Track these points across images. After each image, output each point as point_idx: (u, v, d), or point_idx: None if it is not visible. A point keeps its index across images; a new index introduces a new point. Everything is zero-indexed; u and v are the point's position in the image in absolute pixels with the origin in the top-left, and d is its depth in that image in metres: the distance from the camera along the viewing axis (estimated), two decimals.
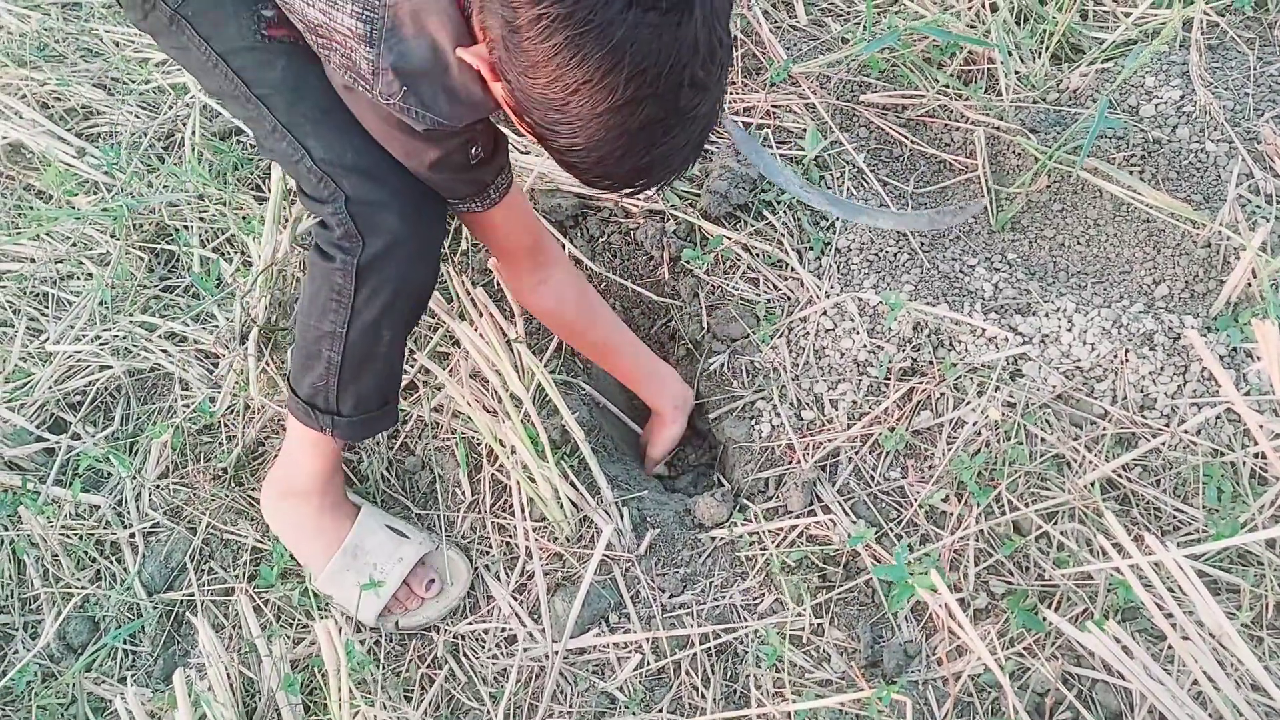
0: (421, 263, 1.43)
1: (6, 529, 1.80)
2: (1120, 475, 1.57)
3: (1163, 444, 1.58)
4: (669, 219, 1.98)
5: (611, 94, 1.05)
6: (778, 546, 1.61)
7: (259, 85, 1.35)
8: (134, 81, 2.47)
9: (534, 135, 1.16)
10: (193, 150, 2.24)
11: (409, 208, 1.37)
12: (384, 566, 1.62)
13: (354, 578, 1.62)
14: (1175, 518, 1.54)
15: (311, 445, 1.59)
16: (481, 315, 1.79)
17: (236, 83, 1.36)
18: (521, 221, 1.58)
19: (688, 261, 1.95)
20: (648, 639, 1.56)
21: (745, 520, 1.66)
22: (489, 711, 1.54)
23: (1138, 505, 1.56)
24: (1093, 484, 1.55)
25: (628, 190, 1.21)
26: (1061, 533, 1.53)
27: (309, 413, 1.53)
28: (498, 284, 1.87)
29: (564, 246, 1.97)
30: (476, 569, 1.68)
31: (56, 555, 1.76)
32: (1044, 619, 1.43)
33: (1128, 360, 1.64)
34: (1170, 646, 1.40)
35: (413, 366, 1.86)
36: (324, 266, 1.39)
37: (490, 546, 1.70)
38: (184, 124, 2.32)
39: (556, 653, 1.55)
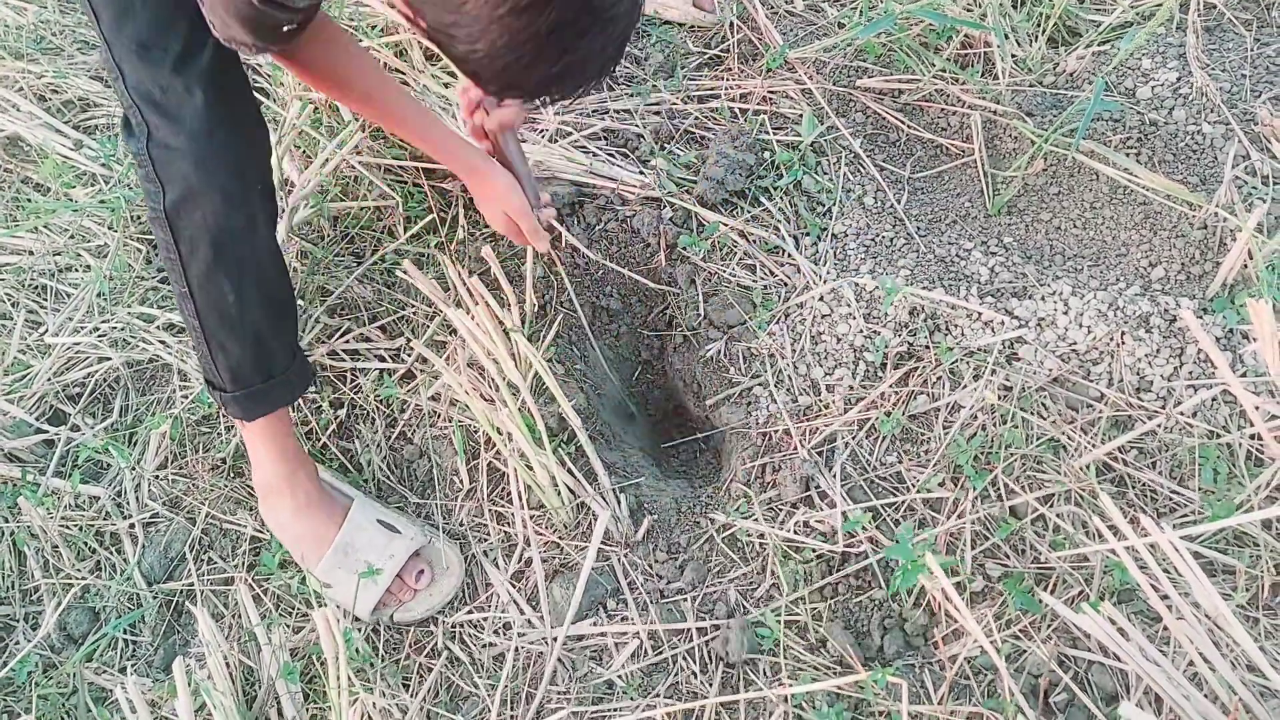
0: (227, 211, 1.39)
1: (7, 520, 1.80)
2: (1116, 458, 1.57)
3: (1159, 426, 1.57)
4: (666, 206, 1.98)
5: (517, 12, 0.92)
6: (775, 527, 1.61)
7: None
8: None
9: (430, 40, 1.03)
10: None
11: (203, 156, 1.34)
12: (376, 564, 1.62)
13: (346, 575, 1.62)
14: (1171, 500, 1.54)
15: (251, 434, 1.61)
16: (478, 304, 1.79)
17: None
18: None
19: (684, 248, 1.95)
20: (645, 625, 1.56)
21: (746, 512, 1.66)
22: (487, 698, 1.54)
23: (1134, 488, 1.56)
24: (1089, 467, 1.55)
25: (537, 101, 1.09)
26: (1058, 515, 1.53)
27: (209, 390, 1.57)
28: (493, 273, 1.87)
29: (561, 236, 1.97)
30: (473, 556, 1.68)
31: (56, 546, 1.77)
32: (1040, 601, 1.43)
33: (1124, 343, 1.64)
34: (1166, 628, 1.40)
35: (410, 354, 1.86)
36: (151, 227, 1.39)
37: (488, 534, 1.70)
38: None
39: (555, 639, 1.56)
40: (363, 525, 1.65)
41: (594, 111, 2.15)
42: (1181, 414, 1.58)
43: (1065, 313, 1.68)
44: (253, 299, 1.48)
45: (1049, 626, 1.45)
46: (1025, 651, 1.44)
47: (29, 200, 2.25)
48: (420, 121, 1.66)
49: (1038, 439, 1.59)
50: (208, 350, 1.50)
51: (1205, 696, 1.26)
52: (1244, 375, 1.60)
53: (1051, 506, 1.54)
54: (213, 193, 1.37)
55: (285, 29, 1.27)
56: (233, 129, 1.39)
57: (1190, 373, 1.61)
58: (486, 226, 2.01)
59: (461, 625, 1.63)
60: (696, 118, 2.12)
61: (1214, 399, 1.59)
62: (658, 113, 2.14)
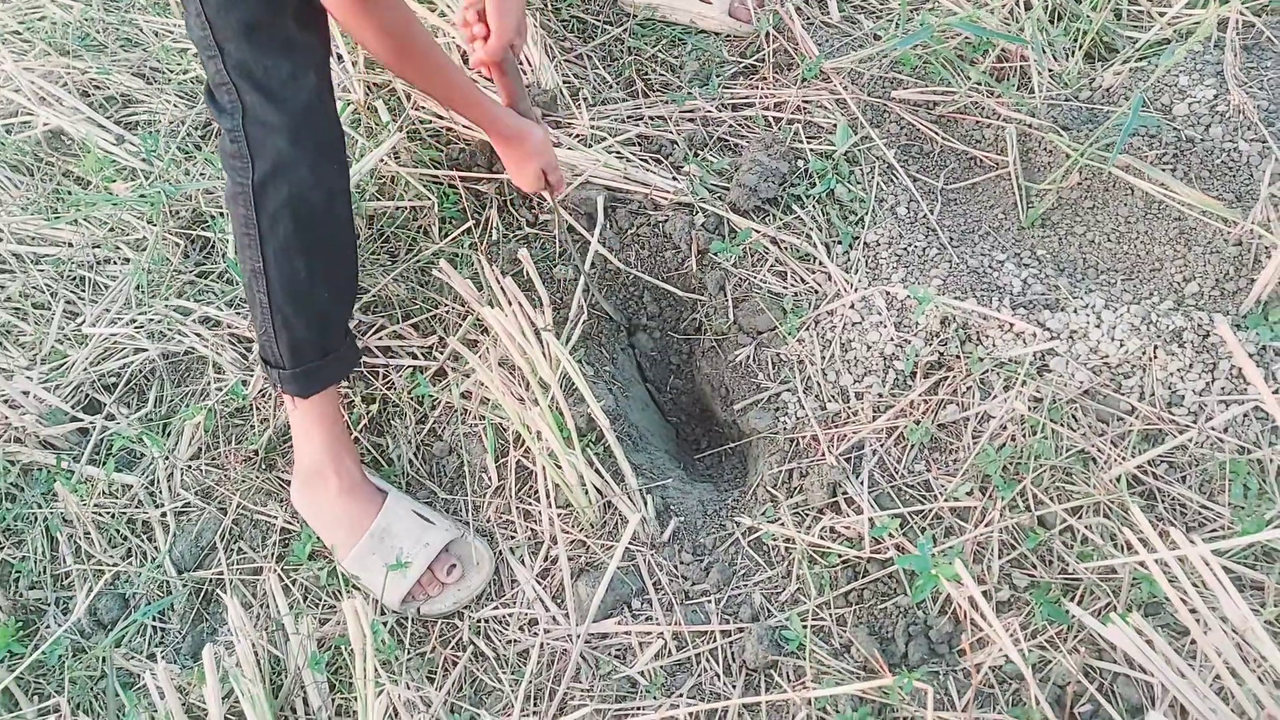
0: (312, 185, 1.46)
1: (41, 506, 1.83)
2: (1146, 471, 1.57)
3: (1189, 440, 1.57)
4: (698, 212, 1.99)
5: None
6: (801, 532, 1.61)
7: None
8: (173, 71, 2.50)
9: None
10: None
11: (299, 133, 1.41)
12: (410, 551, 1.64)
13: (380, 561, 1.64)
14: (1201, 514, 1.53)
15: (304, 414, 1.64)
16: (511, 303, 1.81)
17: None
18: None
19: (716, 254, 1.96)
20: (669, 625, 1.57)
21: (774, 517, 1.67)
22: (511, 693, 1.55)
23: (1163, 501, 1.55)
24: (1118, 479, 1.55)
25: None
26: (1086, 527, 1.53)
27: (266, 371, 1.61)
28: (527, 274, 1.88)
29: (588, 242, 1.99)
30: (500, 553, 1.69)
31: (89, 533, 1.79)
32: (1067, 612, 1.43)
33: (1156, 357, 1.63)
34: (1193, 641, 1.39)
35: (442, 353, 1.88)
36: (231, 206, 1.45)
37: (515, 532, 1.71)
38: None
39: (579, 636, 1.57)
40: (400, 514, 1.67)
41: (628, 117, 2.17)
42: (1213, 429, 1.57)
43: (1098, 326, 1.68)
44: (322, 276, 1.53)
45: (1075, 637, 1.45)
46: (1051, 661, 1.43)
47: (69, 193, 2.29)
48: (469, 88, 1.66)
49: (1067, 450, 1.59)
50: (271, 327, 1.54)
51: (1232, 710, 1.25)
52: (1277, 392, 1.59)
53: (1080, 518, 1.54)
54: (301, 167, 1.43)
55: None
56: (325, 111, 1.47)
57: (1222, 388, 1.60)
58: (520, 229, 2.03)
59: (487, 620, 1.64)
60: (730, 125, 2.13)
61: (1245, 415, 1.58)
62: (692, 120, 2.15)
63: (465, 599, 1.64)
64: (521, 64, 2.13)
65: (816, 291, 1.87)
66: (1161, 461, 1.57)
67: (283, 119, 1.40)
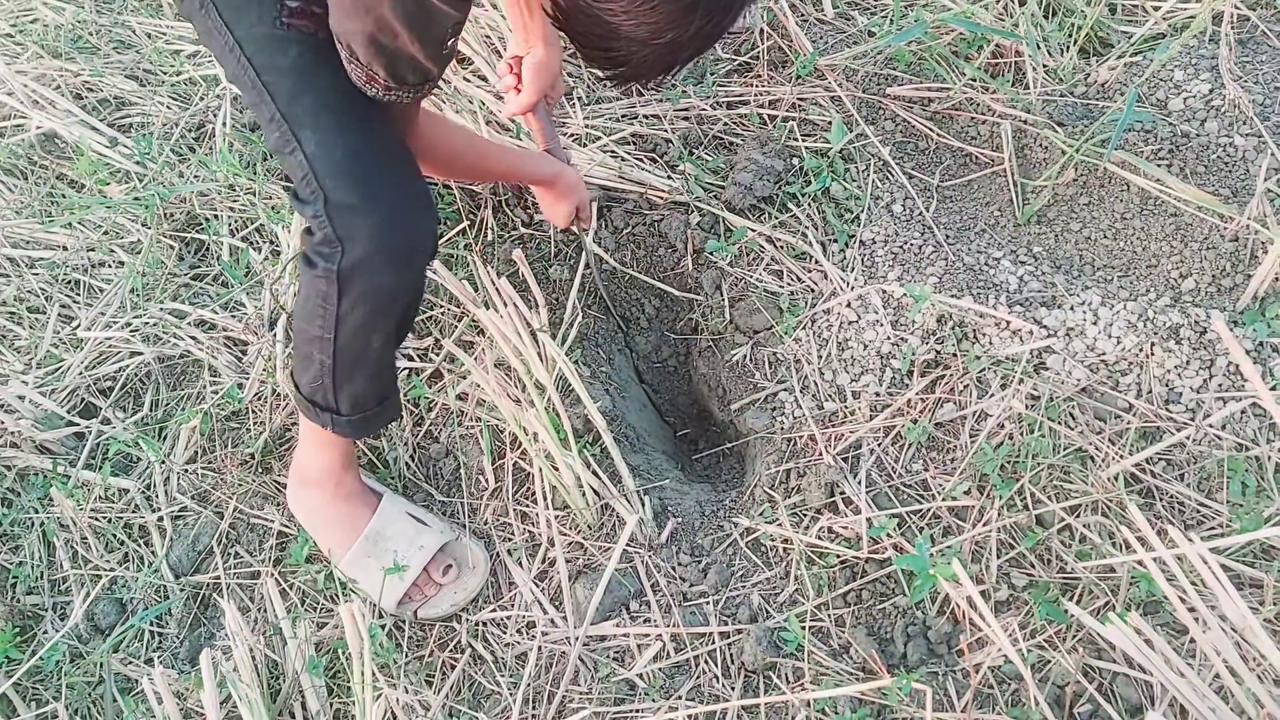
0: (403, 270, 1.39)
1: (37, 511, 1.82)
2: (1144, 469, 1.57)
3: (1187, 438, 1.57)
4: (694, 211, 1.99)
5: (672, 42, 1.01)
6: (799, 532, 1.61)
7: (266, 71, 1.33)
8: (166, 73, 2.50)
9: (572, 38, 1.08)
10: (223, 141, 2.26)
11: (390, 215, 1.33)
12: (405, 553, 1.63)
13: (376, 564, 1.63)
14: (1199, 512, 1.53)
15: (319, 438, 1.61)
16: (506, 305, 1.80)
17: (247, 67, 1.33)
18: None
19: (712, 253, 1.95)
20: (668, 627, 1.57)
21: (771, 517, 1.67)
22: (509, 696, 1.55)
23: (1161, 499, 1.55)
24: (1116, 477, 1.55)
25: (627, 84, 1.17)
26: (1084, 525, 1.53)
27: (310, 409, 1.55)
28: (522, 275, 1.88)
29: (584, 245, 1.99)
30: (497, 555, 1.69)
31: (86, 538, 1.79)
32: (1066, 611, 1.43)
33: (1153, 354, 1.63)
34: (1192, 640, 1.39)
35: (438, 354, 1.87)
36: (309, 272, 1.36)
37: (512, 534, 1.71)
38: (214, 115, 2.35)
39: (577, 639, 1.56)
40: (394, 517, 1.66)
41: (623, 116, 2.16)
42: (1210, 426, 1.57)
43: (1094, 323, 1.68)
44: (392, 341, 1.50)
45: (1074, 637, 1.44)
46: (1050, 661, 1.43)
47: (63, 196, 2.28)
48: (502, 165, 1.73)
49: (1065, 449, 1.59)
50: (332, 383, 1.49)
51: (1231, 709, 1.25)
52: (1274, 388, 1.59)
53: (1078, 516, 1.54)
54: (394, 251, 1.35)
55: (415, 81, 1.28)
56: (416, 195, 1.38)
57: (1220, 385, 1.60)
58: (515, 230, 2.02)
59: (485, 623, 1.64)
60: (725, 123, 2.13)
61: (1243, 412, 1.58)
62: (687, 118, 2.15)
63: (462, 601, 1.64)
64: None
65: (813, 290, 1.87)
66: (1159, 459, 1.57)
67: (368, 200, 1.31)
